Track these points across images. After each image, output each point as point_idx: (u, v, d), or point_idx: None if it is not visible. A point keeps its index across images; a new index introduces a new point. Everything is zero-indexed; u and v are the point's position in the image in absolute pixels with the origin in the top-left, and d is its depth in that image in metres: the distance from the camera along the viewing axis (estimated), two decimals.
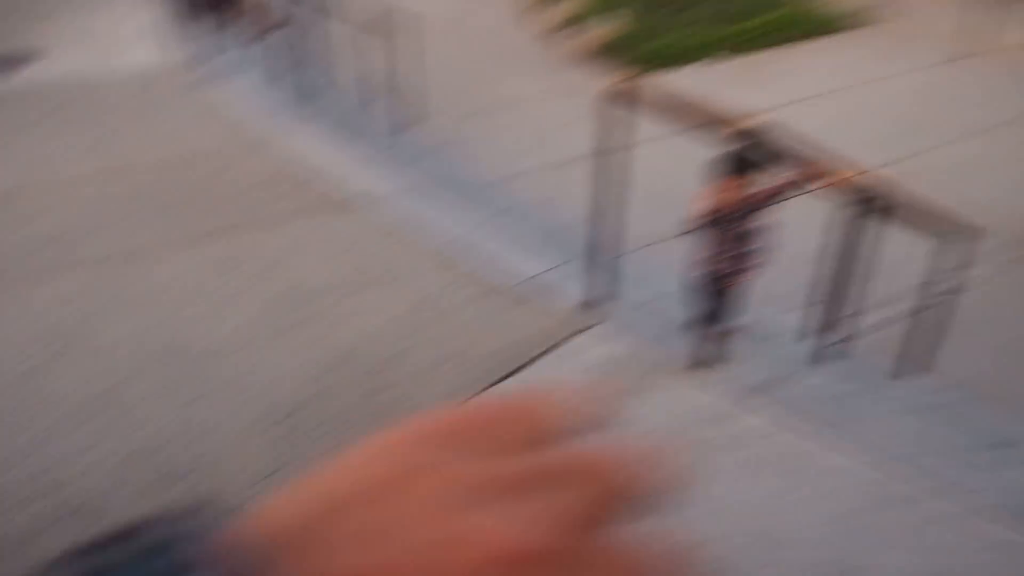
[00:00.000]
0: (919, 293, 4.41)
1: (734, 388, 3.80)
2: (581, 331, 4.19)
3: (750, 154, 3.44)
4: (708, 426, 3.46)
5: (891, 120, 8.72)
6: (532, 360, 3.99)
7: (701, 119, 3.68)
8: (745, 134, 3.46)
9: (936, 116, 8.90)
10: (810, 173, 3.72)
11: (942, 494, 3.25)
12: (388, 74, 7.31)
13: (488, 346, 3.97)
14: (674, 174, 5.97)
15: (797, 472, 3.29)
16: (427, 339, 3.91)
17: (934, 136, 8.30)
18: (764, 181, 3.61)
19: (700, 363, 3.78)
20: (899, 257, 4.16)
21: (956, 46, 10.80)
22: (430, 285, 4.39)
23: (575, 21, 11.00)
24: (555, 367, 3.99)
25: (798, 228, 4.09)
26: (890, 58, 10.77)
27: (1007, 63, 10.58)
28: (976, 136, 8.46)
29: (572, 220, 4.68)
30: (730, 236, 3.70)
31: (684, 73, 9.83)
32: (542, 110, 8.19)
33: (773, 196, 3.69)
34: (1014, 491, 3.42)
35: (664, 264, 5.48)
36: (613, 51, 10.23)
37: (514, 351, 3.97)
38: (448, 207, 5.73)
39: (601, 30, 10.59)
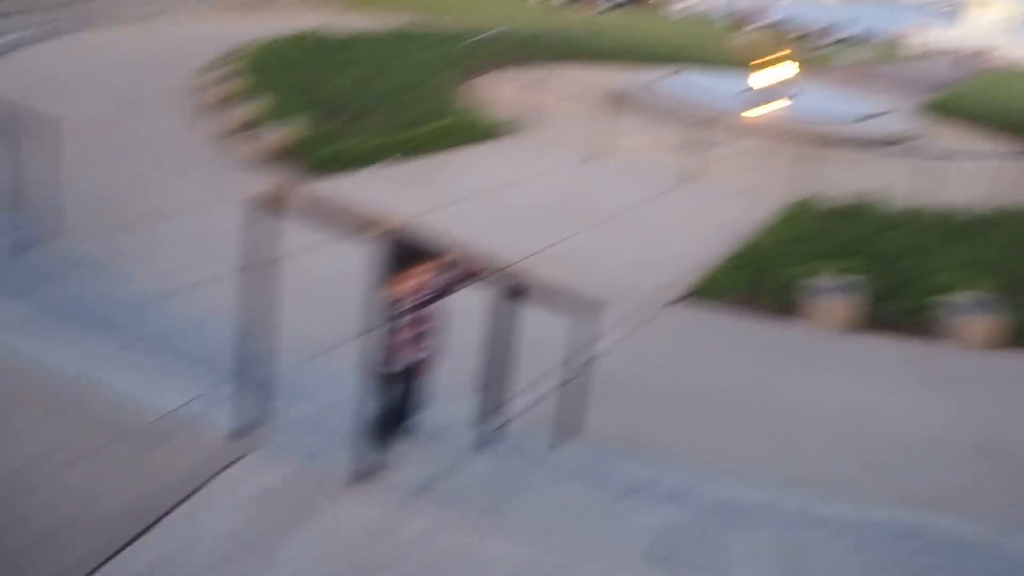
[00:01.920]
0: (564, 366, 4.91)
1: (398, 494, 3.79)
2: (231, 464, 3.90)
3: (404, 252, 3.62)
4: (368, 544, 3.39)
5: (540, 212, 9.86)
6: (172, 508, 3.59)
7: (352, 223, 3.77)
8: (395, 234, 3.62)
9: (575, 207, 10.28)
10: (457, 266, 4.02)
11: (590, 555, 3.57)
12: (12, 184, 6.50)
13: (115, 502, 3.50)
14: (332, 279, 5.91)
15: (454, 573, 3.35)
16: (35, 506, 3.33)
17: (574, 224, 9.51)
18: (421, 277, 3.84)
19: (365, 473, 3.72)
20: (545, 335, 4.63)
21: (589, 148, 12.79)
22: (41, 438, 3.80)
23: (254, 124, 10.94)
24: (202, 510, 3.65)
25: (457, 319, 4.35)
26: (538, 159, 12.38)
27: (626, 161, 12.73)
28: (605, 222, 9.89)
29: (222, 340, 4.43)
30: (400, 331, 3.88)
31: (360, 175, 10.22)
32: (205, 220, 7.67)
33: (433, 290, 3.96)
34: (645, 535, 3.93)
35: (328, 373, 5.32)
36: (292, 154, 10.32)
37: (150, 501, 3.55)
38: (72, 338, 5.10)
39: (281, 133, 10.62)
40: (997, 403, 6.70)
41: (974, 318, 7.74)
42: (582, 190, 11.23)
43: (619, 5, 48.51)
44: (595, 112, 12.87)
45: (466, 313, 4.31)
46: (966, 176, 12.72)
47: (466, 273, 4.15)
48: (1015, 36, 62.64)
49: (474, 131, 13.08)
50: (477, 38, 20.22)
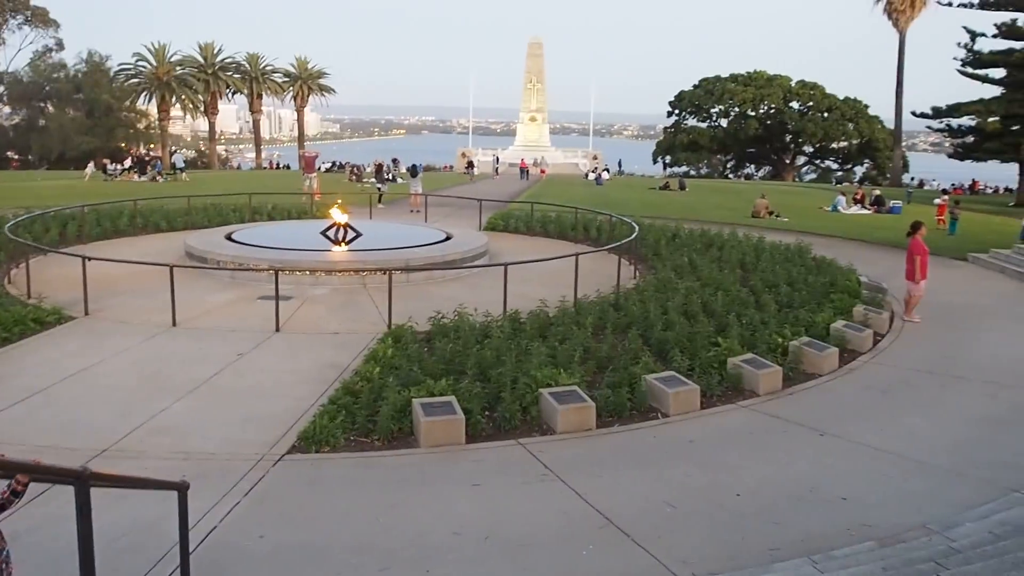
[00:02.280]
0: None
1: None
2: None
3: None
4: None
5: (126, 391, 8.72)
6: None
7: None
8: None
9: (165, 378, 9.22)
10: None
11: None
12: None
13: None
14: None
15: None
16: None
17: (165, 397, 8.54)
18: None
19: None
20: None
21: (169, 317, 11.74)
22: None
23: None
24: None
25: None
26: (115, 336, 10.98)
27: (211, 322, 12.06)
28: (200, 387, 9.02)
29: None
30: None
31: None
32: None
33: None
34: None
35: None
36: None
37: None
38: None
39: None
40: (602, 488, 7.10)
41: (566, 408, 8.29)
42: (170, 359, 10.26)
43: (178, 170, 47.84)
44: (169, 279, 11.94)
45: None
46: (540, 277, 14.23)
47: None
48: (555, 149, 74.86)
49: (33, 320, 11.39)
50: (18, 219, 18.11)
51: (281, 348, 10.94)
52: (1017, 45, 42.63)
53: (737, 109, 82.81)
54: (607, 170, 61.77)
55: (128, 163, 47.51)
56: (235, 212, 23.87)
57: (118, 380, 9.45)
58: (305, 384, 9.41)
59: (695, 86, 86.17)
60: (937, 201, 32.03)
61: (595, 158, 69.80)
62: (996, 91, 44.37)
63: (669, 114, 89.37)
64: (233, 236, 18.04)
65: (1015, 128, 41.33)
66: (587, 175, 58.04)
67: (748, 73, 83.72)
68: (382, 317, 12.04)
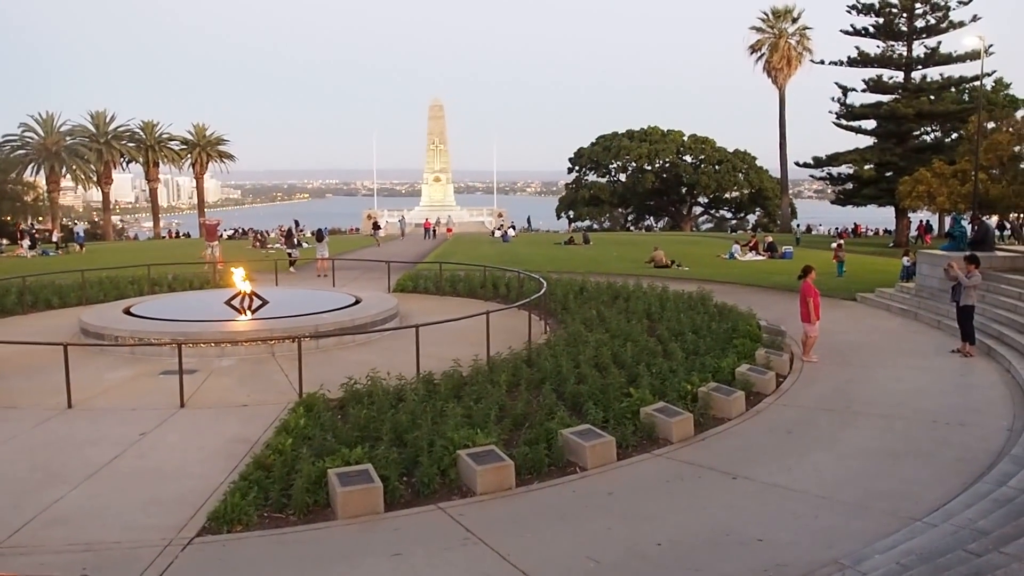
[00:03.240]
0: None
1: None
2: None
3: None
4: None
5: (17, 481, 8.18)
6: None
7: None
8: None
9: (60, 464, 8.67)
10: None
11: None
12: None
13: None
14: None
15: None
16: None
17: (62, 485, 8.05)
18: None
19: None
20: None
21: (65, 398, 11.13)
22: None
23: None
24: None
25: None
26: (3, 421, 10.30)
27: (112, 401, 11.55)
28: (100, 470, 8.54)
29: None
30: None
31: None
32: None
33: None
34: None
35: None
36: None
37: None
38: None
39: None
40: (525, 547, 7.05)
41: (484, 468, 8.23)
42: (65, 444, 9.68)
43: (76, 242, 45.86)
44: (63, 358, 11.34)
45: None
46: (452, 337, 14.19)
47: None
48: (460, 208, 75.50)
49: None
50: None
51: (187, 425, 10.50)
52: (884, 98, 46.05)
53: (634, 164, 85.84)
54: (513, 227, 62.70)
55: (20, 238, 45.18)
56: (133, 284, 22.97)
57: (7, 470, 8.84)
58: (213, 461, 9.04)
59: (593, 143, 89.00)
60: (833, 245, 33.83)
61: (500, 215, 70.79)
62: (870, 141, 47.63)
63: (570, 170, 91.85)
64: (132, 310, 17.34)
65: (888, 174, 44.28)
66: (493, 232, 58.69)
67: (643, 129, 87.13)
68: (292, 386, 11.74)
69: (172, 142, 79.47)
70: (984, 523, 6.50)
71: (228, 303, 17.08)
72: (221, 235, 43.08)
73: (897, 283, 22.23)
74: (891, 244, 43.48)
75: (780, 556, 6.64)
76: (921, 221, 52.40)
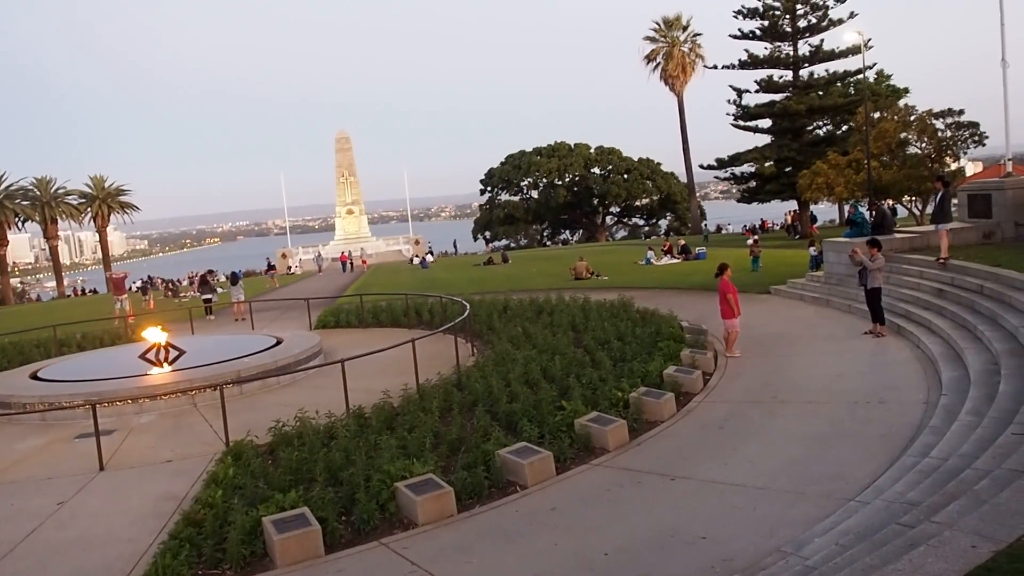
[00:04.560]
0: None
1: None
2: None
3: None
4: None
5: None
6: None
7: None
8: None
9: None
10: None
11: None
12: None
13: None
14: None
15: None
16: None
17: None
18: None
19: None
20: None
21: None
22: None
23: None
24: None
25: None
26: None
27: (21, 472, 10.92)
28: (17, 546, 8.04)
29: None
30: None
31: None
32: None
33: None
34: None
35: None
36: None
37: None
38: None
39: None
40: (472, 573, 6.93)
41: (424, 498, 8.08)
42: None
43: None
44: None
45: None
46: (379, 369, 13.94)
47: None
48: (376, 239, 74.71)
49: None
50: None
51: (108, 488, 9.97)
52: (777, 97, 47.93)
53: (545, 180, 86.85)
54: (431, 252, 62.44)
55: None
56: (39, 348, 21.79)
57: None
58: (140, 523, 8.60)
59: (503, 163, 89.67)
60: (749, 242, 34.88)
61: (417, 243, 70.41)
62: (767, 139, 49.45)
63: (482, 191, 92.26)
64: (39, 374, 16.45)
65: (788, 170, 46.00)
66: (411, 260, 58.32)
67: (550, 145, 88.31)
68: (218, 436, 11.32)
69: (70, 196, 76.25)
70: (913, 495, 6.72)
71: (143, 357, 16.39)
72: (130, 288, 41.46)
73: (807, 273, 23.03)
74: (797, 236, 45.09)
75: (725, 551, 6.72)
76: (789, 212, 54.23)
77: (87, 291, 73.73)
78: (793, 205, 50.58)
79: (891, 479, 7.59)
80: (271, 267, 48.27)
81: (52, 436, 12.84)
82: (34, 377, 16.25)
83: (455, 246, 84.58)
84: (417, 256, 57.85)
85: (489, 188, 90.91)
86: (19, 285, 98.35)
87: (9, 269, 77.56)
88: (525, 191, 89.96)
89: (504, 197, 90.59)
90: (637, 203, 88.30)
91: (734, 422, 10.60)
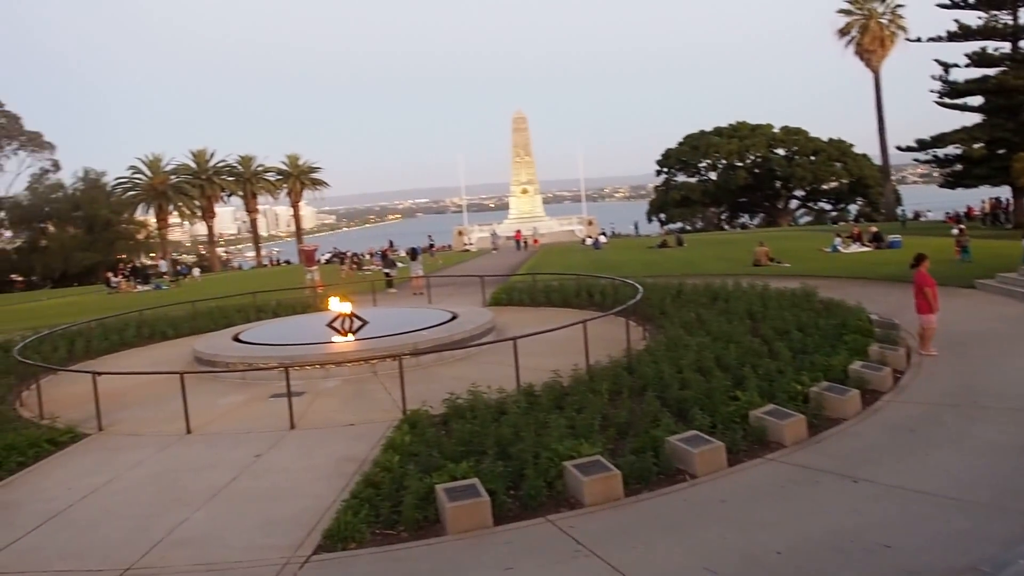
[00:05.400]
0: None
1: None
2: None
3: None
4: None
5: (143, 507, 8.61)
6: None
7: None
8: None
9: (181, 490, 9.09)
10: None
11: None
12: None
13: None
14: None
15: None
16: None
17: (182, 510, 8.46)
18: None
19: None
20: None
21: (182, 426, 11.73)
22: None
23: None
24: None
25: None
26: (128, 451, 10.89)
27: (226, 426, 12.03)
28: (217, 494, 8.92)
29: None
30: None
31: None
32: None
33: None
34: None
35: None
36: None
37: None
38: None
39: None
40: (638, 559, 6.93)
41: (591, 479, 8.14)
42: (185, 469, 10.15)
43: (180, 276, 48.46)
44: (180, 386, 11.94)
45: None
46: (549, 348, 14.16)
47: None
48: (549, 218, 75.70)
49: (48, 441, 11.38)
50: (26, 340, 18.26)
51: (297, 446, 10.83)
52: (991, 71, 43.57)
53: (724, 161, 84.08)
54: (604, 233, 62.35)
55: (128, 273, 47.81)
56: (240, 313, 23.95)
57: (135, 495, 9.32)
58: (324, 481, 9.28)
59: (680, 143, 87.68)
60: (954, 231, 32.16)
61: (590, 223, 70.50)
62: (977, 118, 45.12)
63: (658, 173, 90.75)
64: (240, 337, 18.09)
65: (1001, 152, 41.81)
66: (584, 240, 58.49)
67: (731, 125, 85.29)
68: (396, 404, 11.95)
69: (268, 174, 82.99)
70: None
71: (330, 325, 17.59)
72: (319, 260, 44.48)
73: (1019, 267, 20.88)
74: (1009, 226, 40.95)
75: (911, 563, 6.28)
76: (987, 200, 48.87)
77: (281, 262, 79.90)
78: (1002, 191, 45.95)
79: None
80: (431, 245, 47.75)
81: (250, 394, 14.08)
82: (236, 339, 17.87)
83: (636, 228, 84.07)
84: (590, 237, 57.94)
85: (666, 169, 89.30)
86: (224, 254, 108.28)
87: (216, 240, 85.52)
88: (703, 173, 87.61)
89: (681, 178, 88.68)
90: (824, 187, 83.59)
91: (926, 425, 9.84)
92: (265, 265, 77.74)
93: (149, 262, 66.02)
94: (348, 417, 12.03)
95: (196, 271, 52.09)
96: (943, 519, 7.10)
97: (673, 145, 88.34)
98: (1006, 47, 43.54)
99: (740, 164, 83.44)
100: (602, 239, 55.55)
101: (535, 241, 60.92)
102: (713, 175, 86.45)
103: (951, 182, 47.02)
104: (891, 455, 8.90)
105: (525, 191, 75.65)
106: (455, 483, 8.17)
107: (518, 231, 62.70)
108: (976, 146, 43.95)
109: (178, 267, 52.98)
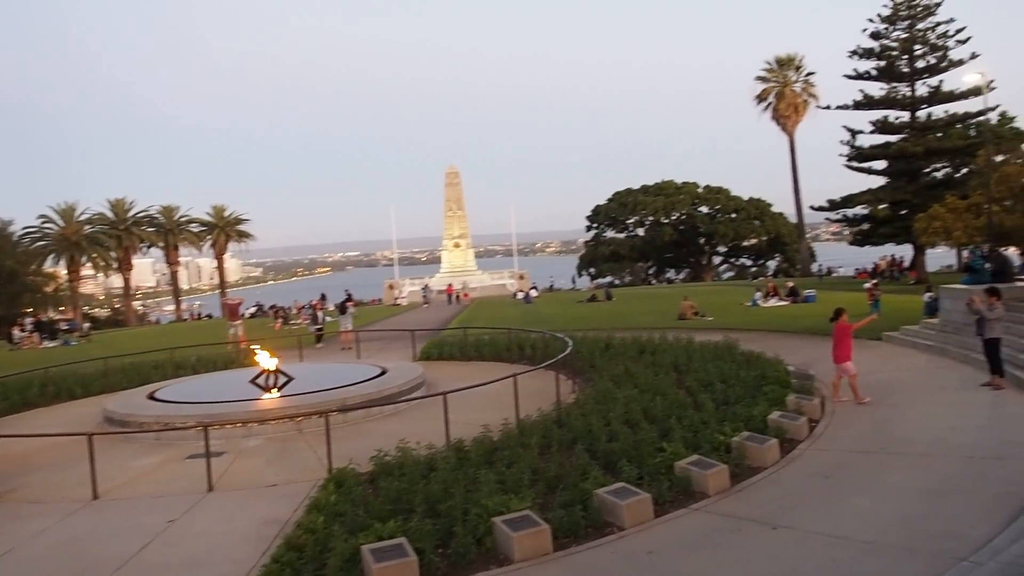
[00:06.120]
0: None
1: None
2: None
3: None
4: None
5: None
6: None
7: None
8: None
9: (86, 561, 8.70)
10: None
11: None
12: None
13: None
14: None
15: None
16: None
17: None
18: None
19: None
20: None
21: (88, 490, 11.19)
22: None
23: None
24: None
25: None
26: (26, 519, 10.33)
27: (138, 491, 11.58)
28: (123, 567, 8.54)
29: None
30: None
31: None
32: None
33: None
34: None
35: None
36: None
37: None
38: None
39: None
40: None
41: (520, 535, 8.14)
42: (91, 537, 9.64)
43: (84, 335, 46.55)
44: (88, 448, 11.41)
45: None
46: (480, 402, 14.15)
47: None
48: (481, 272, 75.92)
49: None
50: None
51: (215, 509, 10.48)
52: (893, 138, 46.31)
53: (651, 218, 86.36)
54: (535, 288, 62.92)
55: (30, 327, 45.52)
56: (157, 369, 23.19)
57: (34, 568, 8.78)
58: (244, 545, 8.98)
59: (609, 200, 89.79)
60: (866, 285, 33.68)
61: (521, 277, 71.08)
62: (882, 180, 47.75)
63: (588, 228, 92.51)
64: (156, 395, 17.50)
65: (903, 212, 44.23)
66: (515, 295, 58.89)
67: (658, 183, 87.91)
68: (321, 463, 11.73)
69: (192, 225, 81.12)
70: None
71: (253, 382, 17.21)
72: (243, 314, 43.51)
73: (921, 319, 22.00)
74: (912, 282, 43.16)
75: None
76: (888, 257, 51.92)
77: (202, 316, 77.78)
78: (901, 249, 48.53)
79: (1008, 540, 7.15)
80: (349, 299, 43.76)
81: (166, 455, 13.59)
82: (151, 397, 17.28)
83: (573, 282, 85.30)
84: (521, 291, 58.39)
85: (595, 224, 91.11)
86: (141, 308, 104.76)
87: (132, 292, 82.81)
88: (631, 229, 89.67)
89: (610, 234, 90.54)
90: (745, 243, 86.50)
91: (841, 472, 10.21)
92: (185, 319, 75.51)
93: (58, 316, 63.25)
94: (271, 477, 11.73)
95: (86, 325, 49.96)
96: (857, 562, 7.35)
97: (603, 201, 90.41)
98: (905, 116, 46.48)
99: (666, 221, 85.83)
100: (533, 293, 56.05)
101: (466, 295, 61.01)
102: (641, 231, 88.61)
103: (860, 240, 49.42)
104: (808, 501, 9.19)
105: (457, 245, 75.95)
106: (382, 543, 8.05)
107: (450, 285, 62.77)
108: (881, 207, 46.44)
109: (65, 324, 50.76)
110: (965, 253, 42.85)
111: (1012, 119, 49.25)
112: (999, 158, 36.82)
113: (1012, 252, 34.28)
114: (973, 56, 44.21)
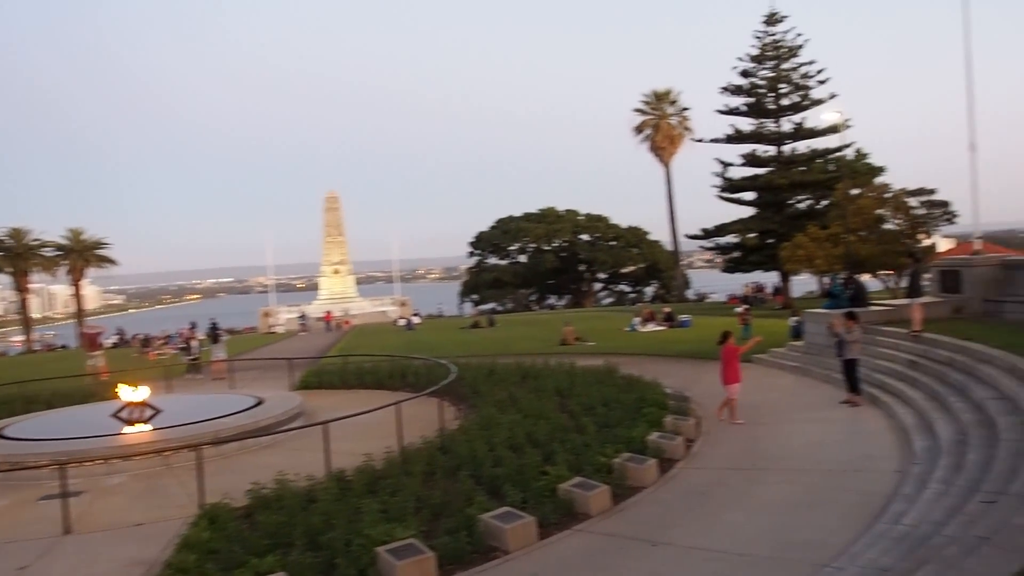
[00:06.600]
0: None
1: None
2: None
3: None
4: None
5: None
6: None
7: None
8: None
9: None
10: None
11: None
12: None
13: None
14: None
15: None
16: None
17: None
18: None
19: None
20: None
21: None
22: None
23: None
24: None
25: None
26: None
27: None
28: None
29: None
30: None
31: None
32: None
33: None
34: None
35: None
36: None
37: None
38: None
39: None
40: None
41: (404, 563, 8.07)
42: None
43: None
44: None
45: None
46: (362, 431, 13.91)
47: None
48: (362, 299, 74.70)
49: None
50: None
51: (74, 552, 9.84)
52: (761, 171, 49.14)
53: (533, 245, 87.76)
54: (417, 314, 62.59)
55: None
56: (4, 405, 21.51)
57: None
58: None
59: (492, 227, 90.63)
60: (738, 310, 35.35)
61: (403, 304, 70.56)
62: (751, 211, 50.49)
63: (470, 255, 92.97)
64: (4, 432, 16.27)
65: (770, 241, 46.90)
66: (396, 321, 58.38)
67: (540, 211, 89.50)
68: (192, 499, 11.21)
69: (45, 248, 76.02)
70: (886, 560, 6.89)
71: (115, 416, 16.30)
72: (103, 344, 41.11)
73: (787, 342, 23.34)
74: (779, 307, 45.69)
75: None
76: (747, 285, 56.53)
77: (57, 346, 72.91)
78: (769, 276, 51.56)
79: (865, 545, 7.73)
80: (215, 327, 37.25)
81: (15, 498, 12.64)
82: (8, 431, 16.07)
83: (460, 308, 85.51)
84: (403, 318, 57.94)
85: (478, 251, 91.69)
86: None
87: None
88: (513, 255, 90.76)
89: (492, 261, 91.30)
90: (624, 270, 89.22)
91: (716, 489, 10.70)
92: (37, 350, 70.52)
93: None
94: (136, 516, 11.14)
95: None
96: (731, 574, 7.72)
97: (485, 228, 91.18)
98: (772, 150, 49.47)
99: (548, 248, 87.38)
100: (415, 319, 55.71)
101: (346, 322, 59.94)
102: (523, 258, 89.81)
103: (731, 267, 51.95)
104: (686, 518, 9.57)
105: (337, 271, 74.60)
106: None
107: (328, 312, 61.52)
108: (750, 236, 49.03)
109: None
110: (825, 280, 45.88)
111: (866, 155, 53.29)
112: (855, 191, 39.66)
113: (867, 279, 36.99)
114: (831, 96, 47.65)
